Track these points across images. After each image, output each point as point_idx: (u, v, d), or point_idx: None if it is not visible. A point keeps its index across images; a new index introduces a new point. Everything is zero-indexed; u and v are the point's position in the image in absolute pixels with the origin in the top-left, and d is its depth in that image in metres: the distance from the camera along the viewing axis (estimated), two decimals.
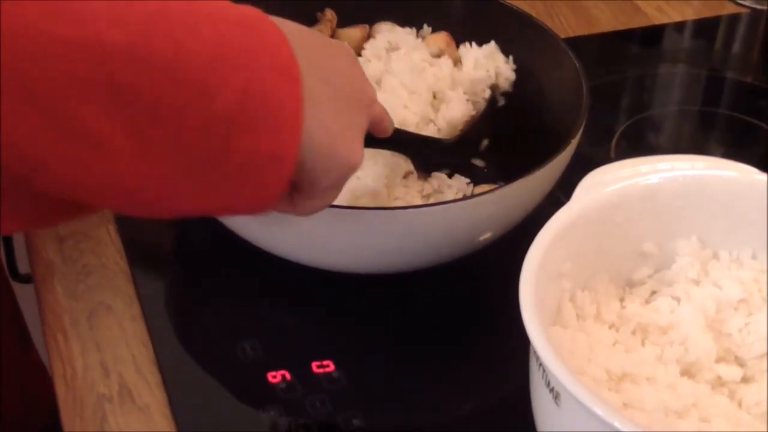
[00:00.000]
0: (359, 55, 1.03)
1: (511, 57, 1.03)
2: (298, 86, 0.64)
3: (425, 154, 0.94)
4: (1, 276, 1.06)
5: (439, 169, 0.95)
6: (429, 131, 0.97)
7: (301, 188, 0.70)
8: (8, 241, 1.10)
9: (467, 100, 1.00)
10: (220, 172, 0.62)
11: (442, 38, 1.05)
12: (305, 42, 0.67)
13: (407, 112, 0.96)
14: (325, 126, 0.67)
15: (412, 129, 0.95)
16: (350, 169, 0.71)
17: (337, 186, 0.72)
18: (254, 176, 0.64)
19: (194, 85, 0.58)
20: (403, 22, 1.07)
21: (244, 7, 0.63)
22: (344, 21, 1.06)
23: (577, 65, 0.94)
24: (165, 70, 0.57)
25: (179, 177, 0.61)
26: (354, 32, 1.05)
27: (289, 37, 0.64)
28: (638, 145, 1.08)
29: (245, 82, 0.60)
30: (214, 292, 0.89)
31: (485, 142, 1.01)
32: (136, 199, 0.62)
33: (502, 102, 1.03)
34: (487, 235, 0.86)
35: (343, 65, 0.72)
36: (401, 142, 0.88)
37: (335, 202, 0.83)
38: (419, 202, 0.92)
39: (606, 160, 1.03)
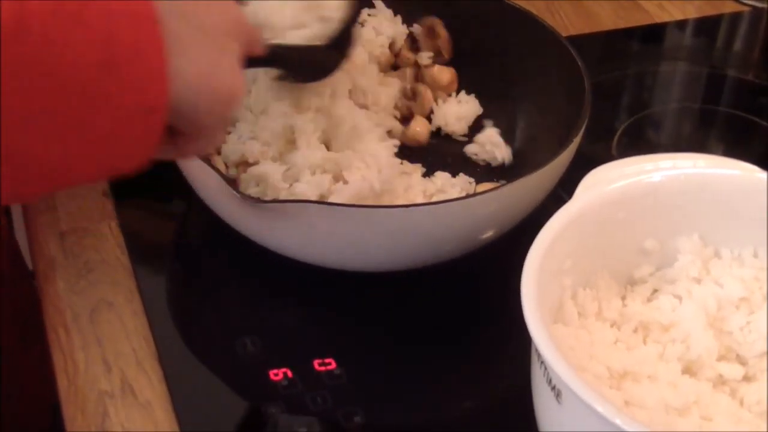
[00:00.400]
0: None
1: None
2: (156, 28, 0.60)
3: (307, 65, 0.91)
4: (2, 274, 1.06)
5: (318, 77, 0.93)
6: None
7: (184, 131, 0.67)
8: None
9: None
10: (90, 129, 0.59)
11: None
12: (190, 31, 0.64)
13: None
14: (195, 64, 0.64)
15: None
16: (233, 100, 0.68)
17: (222, 122, 0.70)
18: (126, 129, 0.61)
19: (53, 43, 0.56)
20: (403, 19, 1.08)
21: None
22: None
23: (580, 63, 0.94)
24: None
25: (52, 137, 0.58)
26: None
27: None
28: (640, 142, 1.08)
29: (103, 32, 0.58)
30: (216, 288, 0.89)
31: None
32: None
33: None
34: (489, 234, 0.86)
35: (216, 9, 0.68)
36: (279, 58, 0.86)
37: (339, 201, 0.83)
38: (422, 200, 0.93)
39: (607, 158, 1.02)
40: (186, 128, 0.67)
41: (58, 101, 0.57)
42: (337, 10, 0.92)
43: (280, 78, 0.90)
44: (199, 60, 0.64)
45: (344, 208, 0.81)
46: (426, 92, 1.03)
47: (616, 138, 1.07)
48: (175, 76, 0.62)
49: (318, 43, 0.90)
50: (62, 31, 0.56)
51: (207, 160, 0.82)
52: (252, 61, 0.77)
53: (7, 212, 0.96)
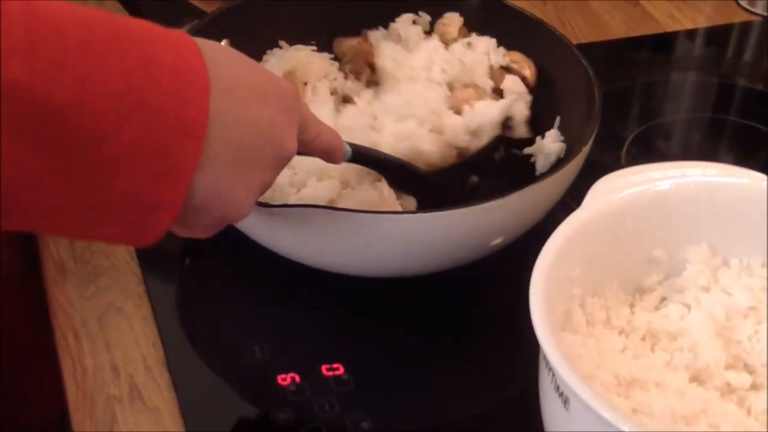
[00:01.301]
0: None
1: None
2: (198, 145, 0.62)
3: (403, 179, 0.92)
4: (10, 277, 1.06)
5: (414, 195, 0.93)
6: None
7: (181, 222, 0.67)
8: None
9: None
10: (100, 206, 0.60)
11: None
12: (233, 82, 0.65)
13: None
14: (215, 185, 0.65)
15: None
16: (232, 220, 0.70)
17: (217, 227, 0.71)
18: (132, 219, 0.62)
19: (90, 129, 0.57)
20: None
21: (175, 37, 0.62)
22: (345, 26, 1.06)
23: (590, 72, 0.94)
24: (63, 110, 0.55)
25: (62, 204, 0.59)
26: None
27: (215, 74, 0.63)
28: (649, 151, 1.08)
29: (145, 127, 0.59)
30: (225, 293, 0.90)
31: (474, 179, 0.99)
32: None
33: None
34: (498, 241, 0.86)
35: (269, 112, 0.68)
36: (373, 161, 0.88)
37: (347, 207, 0.83)
38: None
39: (616, 166, 1.02)
40: (183, 221, 0.67)
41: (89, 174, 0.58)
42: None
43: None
44: (221, 182, 0.65)
45: (352, 213, 0.81)
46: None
47: (625, 147, 1.07)
48: (193, 186, 0.63)
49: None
50: (119, 118, 0.57)
51: None
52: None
53: None
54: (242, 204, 0.69)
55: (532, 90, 1.01)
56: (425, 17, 1.07)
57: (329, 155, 0.78)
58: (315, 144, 0.75)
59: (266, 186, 0.71)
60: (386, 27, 1.06)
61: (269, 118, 0.68)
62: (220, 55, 0.65)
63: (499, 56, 1.03)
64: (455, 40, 1.04)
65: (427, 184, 0.93)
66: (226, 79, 0.64)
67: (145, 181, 0.60)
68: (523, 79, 1.01)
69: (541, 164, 0.98)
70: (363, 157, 0.85)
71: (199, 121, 0.61)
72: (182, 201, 0.63)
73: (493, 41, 1.04)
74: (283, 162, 0.71)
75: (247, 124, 0.66)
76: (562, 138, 0.97)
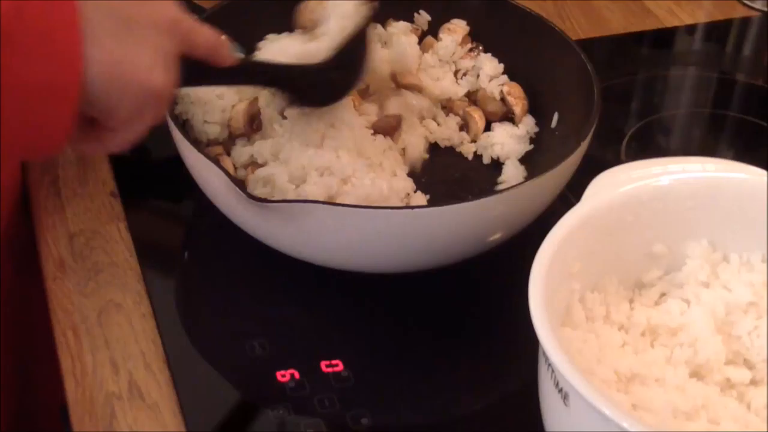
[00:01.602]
0: None
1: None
2: (74, 12, 0.61)
3: (296, 86, 0.89)
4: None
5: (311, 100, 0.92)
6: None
7: (101, 121, 0.67)
8: None
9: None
10: None
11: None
12: (113, 23, 0.65)
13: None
14: (109, 53, 0.65)
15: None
16: (150, 94, 0.68)
17: (141, 115, 0.70)
18: (35, 107, 0.61)
19: None
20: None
21: None
22: None
23: (589, 67, 0.94)
24: None
25: None
26: None
27: None
28: (649, 147, 1.08)
29: (12, 5, 0.58)
30: (224, 289, 0.90)
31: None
32: None
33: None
34: (497, 236, 0.86)
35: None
36: (275, 78, 0.87)
37: (346, 201, 0.83)
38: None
39: (616, 162, 1.02)
40: (102, 119, 0.67)
41: None
42: (339, 28, 0.93)
43: (290, 103, 0.91)
44: (114, 50, 0.65)
45: (351, 209, 0.81)
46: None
47: (625, 142, 1.07)
48: (89, 62, 0.63)
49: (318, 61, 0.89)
50: None
51: (215, 161, 0.82)
52: (246, 78, 0.77)
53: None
54: (151, 72, 0.67)
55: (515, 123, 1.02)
56: (424, 16, 1.07)
57: (213, 50, 0.76)
58: (190, 32, 0.74)
59: (170, 53, 0.70)
60: (384, 25, 1.06)
61: None
62: None
63: (497, 84, 1.04)
64: (459, 46, 1.05)
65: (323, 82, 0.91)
66: None
67: (31, 60, 0.60)
68: (511, 113, 1.02)
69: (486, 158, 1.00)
70: (252, 65, 0.84)
71: None
72: (79, 73, 0.62)
73: (500, 67, 1.05)
74: (172, 28, 0.70)
75: None
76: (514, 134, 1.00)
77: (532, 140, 1.01)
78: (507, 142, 1.00)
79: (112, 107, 0.67)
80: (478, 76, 1.04)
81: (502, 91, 1.03)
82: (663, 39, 1.25)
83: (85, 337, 0.84)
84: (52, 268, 0.90)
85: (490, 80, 1.04)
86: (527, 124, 1.01)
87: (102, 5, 0.64)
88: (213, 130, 0.94)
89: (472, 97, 1.04)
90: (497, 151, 1.00)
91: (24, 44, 0.59)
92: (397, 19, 1.07)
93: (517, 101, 1.01)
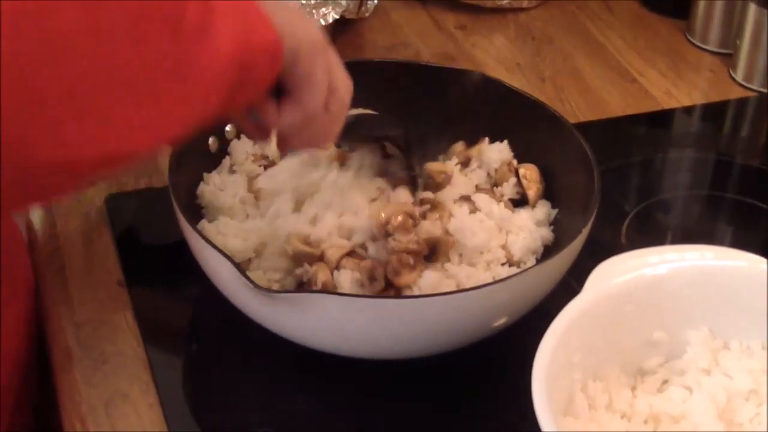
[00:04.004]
0: None
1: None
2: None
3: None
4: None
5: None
6: None
7: (292, 86, 0.75)
8: None
9: None
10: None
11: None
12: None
13: None
14: (285, 16, 0.73)
15: None
16: (328, 50, 0.78)
17: (318, 71, 0.77)
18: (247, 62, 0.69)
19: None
20: (415, 110, 1.09)
21: None
22: None
23: (590, 154, 0.94)
24: None
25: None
26: None
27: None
28: (649, 229, 1.08)
29: None
30: (232, 378, 0.90)
31: None
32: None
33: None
34: (499, 322, 0.87)
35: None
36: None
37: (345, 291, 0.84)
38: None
39: (617, 244, 1.04)
40: (294, 78, 0.75)
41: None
42: None
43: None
44: (288, 15, 0.74)
45: (354, 298, 0.82)
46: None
47: (625, 224, 1.08)
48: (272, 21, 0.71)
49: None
50: None
51: (220, 249, 0.83)
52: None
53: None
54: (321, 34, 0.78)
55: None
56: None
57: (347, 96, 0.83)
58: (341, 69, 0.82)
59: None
60: None
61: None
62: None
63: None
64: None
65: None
66: None
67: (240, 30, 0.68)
68: (523, 195, 1.02)
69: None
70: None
71: None
72: (274, 32, 0.71)
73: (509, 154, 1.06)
74: (327, 47, 0.79)
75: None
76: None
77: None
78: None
79: (302, 59, 0.74)
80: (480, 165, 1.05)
81: (517, 172, 1.02)
82: (661, 120, 1.26)
83: (92, 427, 0.85)
84: (59, 358, 0.91)
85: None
86: (543, 210, 1.01)
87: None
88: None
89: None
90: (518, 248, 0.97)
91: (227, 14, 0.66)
92: None
93: (531, 184, 1.02)
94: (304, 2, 1.20)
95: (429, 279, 0.89)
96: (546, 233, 0.98)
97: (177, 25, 0.63)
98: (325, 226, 0.92)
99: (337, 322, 0.82)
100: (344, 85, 0.81)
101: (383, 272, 0.89)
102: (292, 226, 0.92)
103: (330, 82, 0.79)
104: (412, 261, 0.89)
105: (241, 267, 0.81)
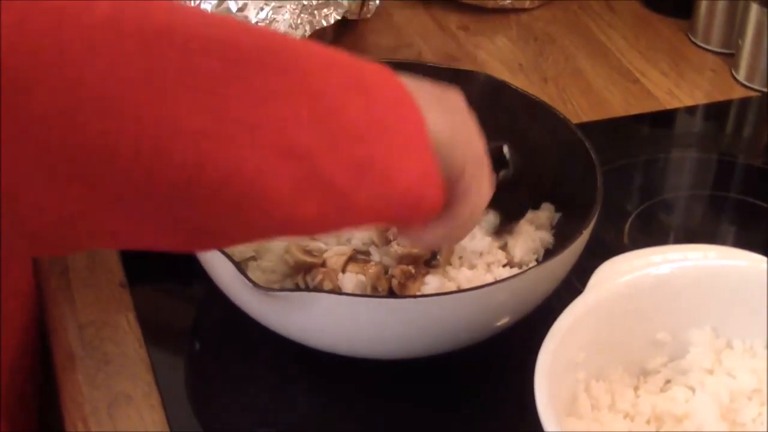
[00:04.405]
0: None
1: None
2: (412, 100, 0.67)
3: None
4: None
5: None
6: None
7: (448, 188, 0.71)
8: None
9: None
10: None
11: None
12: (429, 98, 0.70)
13: None
14: (443, 119, 0.70)
15: None
16: (484, 159, 0.75)
17: (481, 178, 0.74)
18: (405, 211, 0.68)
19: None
20: None
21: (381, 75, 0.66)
22: None
23: (592, 154, 0.94)
24: None
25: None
26: None
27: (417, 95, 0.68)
28: (651, 229, 1.08)
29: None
30: (235, 378, 0.90)
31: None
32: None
33: None
34: (501, 322, 0.87)
35: (448, 93, 0.75)
36: None
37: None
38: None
39: (619, 244, 1.04)
40: (450, 196, 0.71)
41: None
42: None
43: None
44: (440, 116, 0.70)
45: (354, 298, 0.82)
46: None
47: (628, 224, 1.08)
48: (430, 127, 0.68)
49: None
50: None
51: (220, 249, 0.83)
52: None
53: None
54: (479, 138, 0.75)
55: None
56: None
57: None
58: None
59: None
60: None
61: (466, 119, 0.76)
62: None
63: None
64: None
65: None
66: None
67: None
68: None
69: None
70: None
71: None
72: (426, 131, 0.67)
73: None
74: (484, 160, 0.76)
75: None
76: None
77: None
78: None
79: (457, 164, 0.71)
80: None
81: None
82: (663, 120, 1.26)
83: (95, 429, 0.85)
84: (62, 359, 0.91)
85: None
86: (546, 213, 1.01)
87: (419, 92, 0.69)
88: None
89: None
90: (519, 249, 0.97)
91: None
92: None
93: None
94: (305, 3, 1.20)
95: (431, 284, 0.89)
96: (545, 235, 0.98)
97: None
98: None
99: (337, 322, 0.82)
100: (487, 192, 0.78)
101: (387, 284, 0.89)
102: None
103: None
104: (413, 270, 0.90)
105: (241, 266, 0.81)
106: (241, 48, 0.57)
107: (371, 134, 0.63)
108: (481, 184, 0.74)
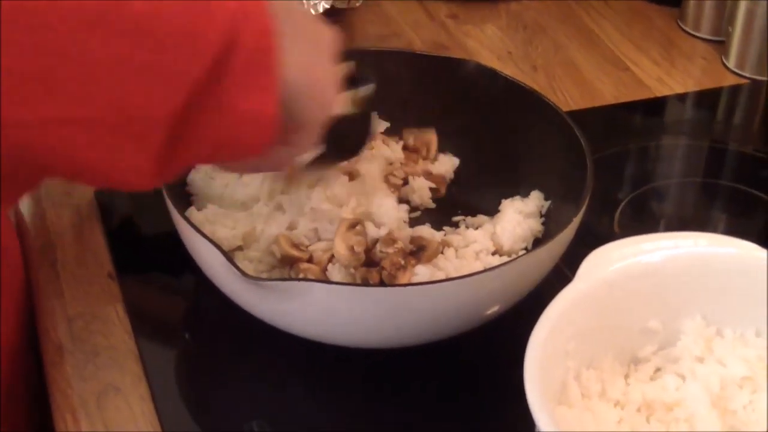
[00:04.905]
0: None
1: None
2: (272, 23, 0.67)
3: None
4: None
5: None
6: None
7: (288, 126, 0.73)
8: None
9: None
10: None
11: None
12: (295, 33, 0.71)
13: None
14: (298, 58, 0.71)
15: None
16: (330, 99, 0.76)
17: (316, 123, 0.76)
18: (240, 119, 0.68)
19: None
20: (407, 100, 1.08)
21: None
22: None
23: (582, 141, 0.94)
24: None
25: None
26: None
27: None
28: (642, 217, 1.08)
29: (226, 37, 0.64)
30: (224, 370, 0.90)
31: None
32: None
33: None
34: (491, 310, 0.87)
35: (321, 31, 0.76)
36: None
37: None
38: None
39: (610, 232, 1.04)
40: (287, 122, 0.72)
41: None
42: None
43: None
44: (302, 58, 0.71)
45: (343, 286, 0.82)
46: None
47: (618, 211, 1.08)
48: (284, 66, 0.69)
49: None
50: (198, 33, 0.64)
51: (209, 238, 0.82)
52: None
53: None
54: (331, 80, 0.76)
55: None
56: None
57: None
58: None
59: (338, 81, 0.78)
60: None
61: (323, 31, 0.77)
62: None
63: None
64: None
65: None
66: None
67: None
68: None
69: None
70: None
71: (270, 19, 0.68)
72: (278, 73, 0.68)
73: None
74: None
75: (308, 25, 0.75)
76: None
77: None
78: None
79: (299, 107, 0.72)
80: None
81: None
82: (654, 108, 1.26)
83: (84, 421, 0.84)
84: (51, 352, 0.90)
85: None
86: (535, 201, 1.01)
87: (286, 17, 0.70)
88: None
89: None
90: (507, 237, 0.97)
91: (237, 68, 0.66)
92: None
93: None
94: None
95: (421, 274, 0.89)
96: (535, 223, 0.98)
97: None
98: (303, 231, 0.92)
99: (327, 311, 0.82)
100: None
101: (378, 277, 0.89)
102: (276, 227, 0.93)
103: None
104: (402, 261, 0.89)
105: (230, 255, 0.81)
106: None
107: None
108: (324, 110, 0.76)
